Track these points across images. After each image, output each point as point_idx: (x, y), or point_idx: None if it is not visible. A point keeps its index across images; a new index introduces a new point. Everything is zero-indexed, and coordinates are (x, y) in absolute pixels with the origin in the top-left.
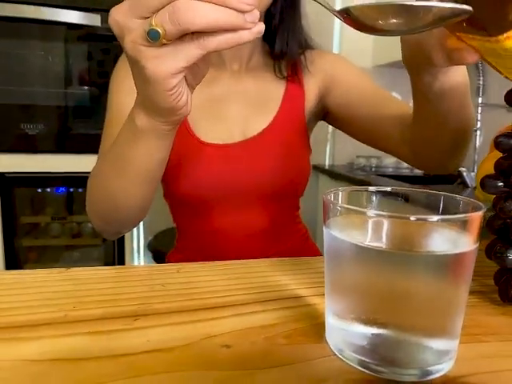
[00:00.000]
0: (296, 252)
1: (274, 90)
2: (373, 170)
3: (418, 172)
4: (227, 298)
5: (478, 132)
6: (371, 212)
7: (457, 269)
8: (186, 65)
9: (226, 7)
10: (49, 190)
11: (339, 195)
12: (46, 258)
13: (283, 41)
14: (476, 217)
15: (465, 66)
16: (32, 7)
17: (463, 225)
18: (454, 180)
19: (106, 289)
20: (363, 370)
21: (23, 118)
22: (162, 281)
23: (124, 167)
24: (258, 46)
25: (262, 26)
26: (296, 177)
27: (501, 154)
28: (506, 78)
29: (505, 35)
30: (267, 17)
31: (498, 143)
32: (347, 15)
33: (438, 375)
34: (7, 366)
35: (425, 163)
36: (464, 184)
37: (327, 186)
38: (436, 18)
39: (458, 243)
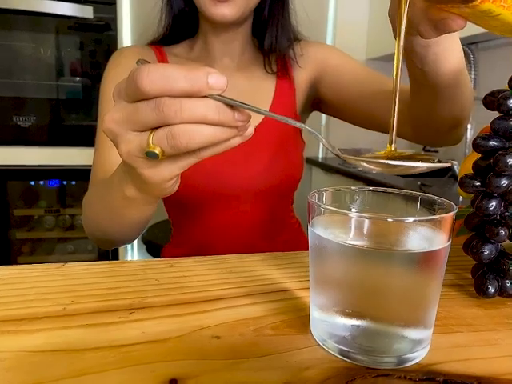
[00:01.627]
0: (289, 245)
1: (264, 86)
2: None
3: None
4: (218, 292)
5: (469, 126)
6: (352, 213)
7: (431, 265)
8: (182, 171)
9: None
10: (42, 182)
11: (324, 195)
12: (39, 250)
13: (272, 36)
14: (448, 217)
15: (457, 35)
16: None
17: (437, 224)
18: (445, 173)
19: (101, 283)
20: (344, 358)
21: (15, 110)
22: (155, 275)
23: (114, 218)
24: (248, 41)
25: (251, 130)
26: (290, 172)
27: None
28: (503, 35)
29: (479, 0)
30: (257, 12)
31: (475, 145)
32: (340, 158)
33: (412, 363)
34: (11, 357)
35: (425, 138)
36: (455, 177)
37: (320, 178)
38: (416, 171)
39: (432, 241)
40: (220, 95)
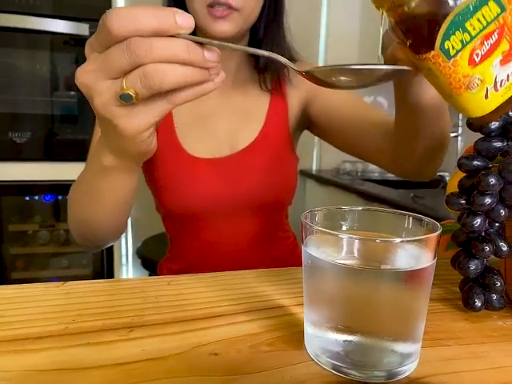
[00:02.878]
0: (285, 259)
1: (259, 104)
2: (358, 174)
3: None
4: (216, 309)
5: (460, 138)
6: (342, 234)
7: (417, 282)
8: (157, 119)
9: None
10: (36, 197)
11: (316, 214)
12: (33, 265)
13: None
14: (433, 237)
15: None
16: (18, 16)
17: (423, 243)
18: (438, 185)
19: (101, 302)
20: (337, 373)
21: (11, 126)
22: (154, 293)
23: (94, 197)
24: (244, 59)
25: (223, 75)
26: (284, 187)
27: None
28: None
29: (424, 56)
30: (252, 31)
31: (460, 164)
32: (309, 74)
33: (402, 376)
34: (15, 377)
35: (403, 171)
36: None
37: (314, 190)
38: (380, 76)
39: (419, 259)
40: (189, 35)
